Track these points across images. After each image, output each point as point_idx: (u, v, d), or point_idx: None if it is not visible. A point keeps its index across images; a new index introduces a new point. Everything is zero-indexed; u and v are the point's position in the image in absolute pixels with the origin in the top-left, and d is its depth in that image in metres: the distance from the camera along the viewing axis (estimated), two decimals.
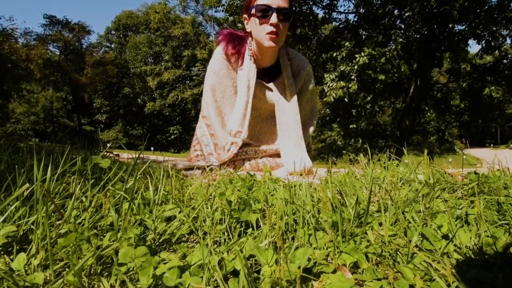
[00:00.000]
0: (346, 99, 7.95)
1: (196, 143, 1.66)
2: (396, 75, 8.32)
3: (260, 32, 1.41)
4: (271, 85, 1.58)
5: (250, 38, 1.52)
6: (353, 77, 7.68)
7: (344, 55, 7.75)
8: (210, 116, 1.59)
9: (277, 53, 1.55)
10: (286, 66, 1.56)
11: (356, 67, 7.48)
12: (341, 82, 7.84)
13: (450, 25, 7.61)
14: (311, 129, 1.71)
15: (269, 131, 1.68)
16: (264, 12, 1.36)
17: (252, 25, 1.45)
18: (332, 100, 8.08)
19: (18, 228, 0.64)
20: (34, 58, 23.36)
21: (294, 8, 1.47)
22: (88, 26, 28.05)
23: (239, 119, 1.51)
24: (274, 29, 1.37)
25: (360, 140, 10.64)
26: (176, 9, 35.01)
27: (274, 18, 1.35)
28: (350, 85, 7.68)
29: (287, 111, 1.55)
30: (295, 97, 1.56)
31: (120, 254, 0.53)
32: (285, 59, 1.57)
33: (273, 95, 1.57)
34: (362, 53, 7.43)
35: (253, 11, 1.40)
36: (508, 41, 8.77)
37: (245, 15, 1.48)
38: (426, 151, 1.09)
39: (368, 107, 9.27)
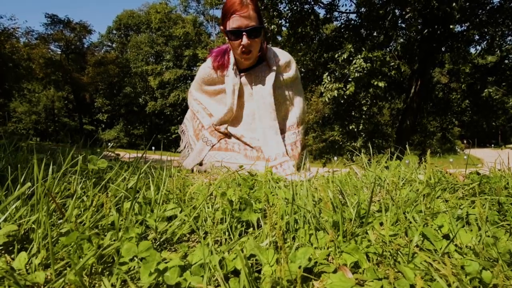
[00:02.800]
0: (341, 100, 7.95)
1: (191, 119, 1.87)
2: (396, 75, 8.30)
3: (235, 51, 1.61)
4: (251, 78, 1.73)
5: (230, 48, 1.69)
6: (350, 79, 7.66)
7: (345, 57, 7.72)
8: (202, 103, 1.82)
9: (257, 57, 1.69)
10: (270, 60, 1.71)
11: (352, 68, 7.46)
12: (337, 83, 7.82)
13: (451, 26, 7.56)
14: (297, 114, 1.76)
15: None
16: (236, 35, 1.52)
17: (229, 42, 1.62)
18: (327, 100, 8.08)
19: (19, 227, 0.65)
20: (36, 57, 23.41)
21: (263, 24, 1.57)
22: (89, 26, 28.05)
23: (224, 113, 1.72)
24: (246, 49, 1.55)
25: (360, 140, 10.61)
26: (177, 9, 35.08)
27: (245, 40, 1.51)
28: (348, 87, 7.65)
29: (260, 98, 1.66)
30: (270, 85, 1.66)
31: (123, 250, 0.53)
32: (271, 56, 1.71)
33: (252, 91, 1.71)
34: (359, 55, 7.41)
35: (227, 34, 1.55)
36: (509, 39, 8.71)
37: (221, 27, 1.60)
38: (429, 151, 1.08)
39: (365, 109, 9.26)
